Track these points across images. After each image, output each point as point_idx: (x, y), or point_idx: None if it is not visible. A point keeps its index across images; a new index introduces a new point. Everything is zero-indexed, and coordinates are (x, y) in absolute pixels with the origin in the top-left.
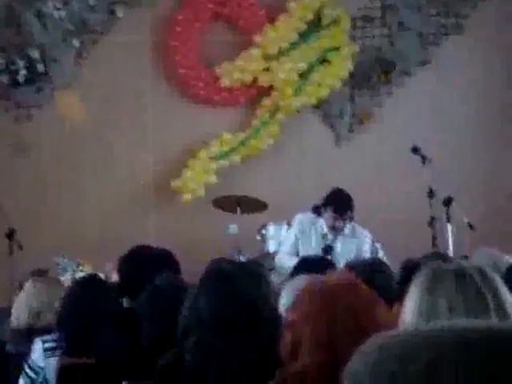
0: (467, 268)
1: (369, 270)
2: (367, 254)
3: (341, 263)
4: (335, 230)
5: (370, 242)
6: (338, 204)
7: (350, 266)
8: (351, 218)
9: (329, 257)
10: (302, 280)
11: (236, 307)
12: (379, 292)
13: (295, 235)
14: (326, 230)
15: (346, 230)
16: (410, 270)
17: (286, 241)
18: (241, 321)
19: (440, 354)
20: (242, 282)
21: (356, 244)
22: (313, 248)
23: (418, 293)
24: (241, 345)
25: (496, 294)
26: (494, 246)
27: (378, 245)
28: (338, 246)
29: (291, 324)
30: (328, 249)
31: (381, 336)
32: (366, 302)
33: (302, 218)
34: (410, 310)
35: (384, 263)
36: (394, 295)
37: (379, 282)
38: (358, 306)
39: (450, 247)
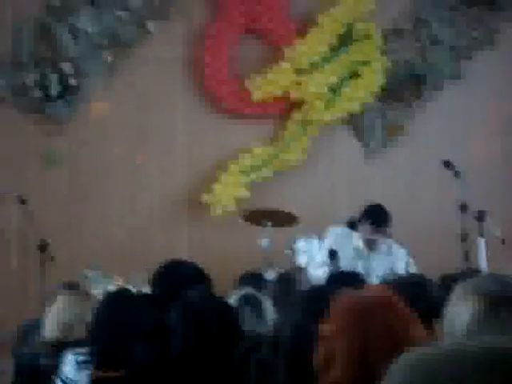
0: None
1: (408, 287)
2: (401, 272)
3: (374, 279)
4: (371, 245)
5: (406, 260)
6: (376, 217)
7: (389, 282)
8: (388, 235)
9: (333, 263)
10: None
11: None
12: (418, 308)
13: (328, 247)
14: (360, 244)
15: (383, 248)
16: (448, 285)
17: (319, 253)
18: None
19: (466, 372)
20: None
21: (390, 261)
22: (347, 260)
23: (474, 306)
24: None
25: None
26: None
27: (410, 259)
28: (373, 263)
29: (326, 337)
30: (333, 254)
31: (408, 354)
32: (402, 318)
33: (337, 230)
34: (460, 328)
35: (424, 279)
36: (434, 312)
37: (418, 298)
38: (393, 323)
39: (483, 262)
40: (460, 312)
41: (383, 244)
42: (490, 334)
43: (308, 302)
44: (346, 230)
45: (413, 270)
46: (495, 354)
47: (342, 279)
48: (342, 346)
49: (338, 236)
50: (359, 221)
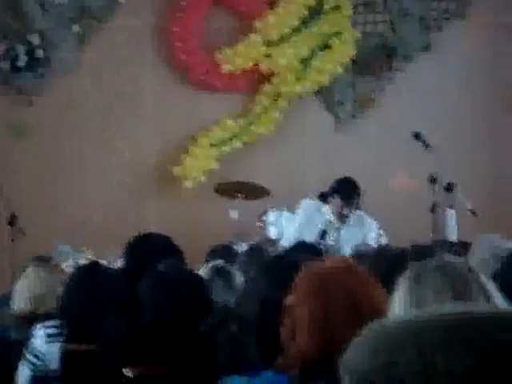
0: (452, 262)
1: (374, 256)
2: (372, 243)
3: (345, 251)
4: (342, 218)
5: (376, 231)
6: (346, 191)
7: (357, 254)
8: (358, 207)
9: (324, 242)
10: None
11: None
12: (384, 277)
13: (300, 220)
14: (331, 217)
15: (353, 219)
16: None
17: (291, 225)
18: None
19: (431, 341)
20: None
21: (361, 233)
22: (315, 233)
23: (405, 285)
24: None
25: (481, 284)
26: (497, 231)
27: (380, 231)
28: (343, 234)
29: (290, 308)
30: (323, 233)
31: (372, 326)
32: (364, 284)
33: (309, 204)
34: (397, 302)
35: (390, 248)
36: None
37: (384, 267)
38: (355, 288)
39: (453, 233)
40: None
41: (354, 216)
42: None
43: (272, 273)
44: (318, 202)
45: (383, 241)
46: (456, 320)
47: (301, 251)
48: (305, 314)
49: (309, 208)
50: (329, 195)
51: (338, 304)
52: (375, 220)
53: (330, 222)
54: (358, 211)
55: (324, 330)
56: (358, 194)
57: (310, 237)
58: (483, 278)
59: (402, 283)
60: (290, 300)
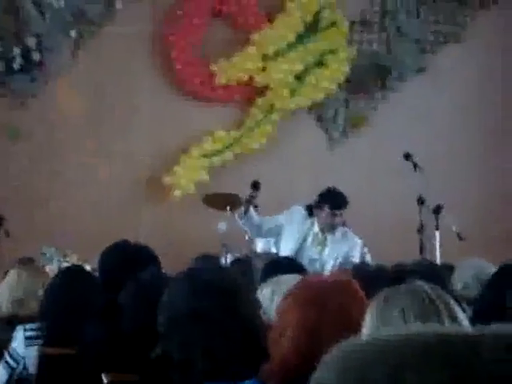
0: (420, 285)
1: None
2: (356, 260)
3: (329, 265)
4: (330, 228)
5: (360, 248)
6: (335, 200)
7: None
8: (344, 223)
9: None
10: (291, 278)
11: (211, 296)
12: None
13: (282, 219)
14: (317, 229)
15: (338, 234)
16: (397, 274)
17: (273, 219)
18: (218, 310)
19: (402, 359)
20: (215, 275)
21: (346, 248)
22: (294, 242)
23: (374, 304)
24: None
25: (448, 304)
26: (483, 254)
27: (365, 249)
28: (328, 249)
29: (281, 312)
30: (256, 184)
31: (343, 344)
32: (358, 302)
33: (298, 208)
34: (367, 321)
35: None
36: None
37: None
38: (350, 306)
39: (438, 255)
40: None
41: (339, 230)
42: None
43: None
44: (305, 214)
45: (367, 258)
46: (430, 338)
47: (281, 267)
48: (294, 321)
49: (297, 212)
50: (317, 206)
51: (329, 318)
52: (362, 237)
53: (317, 235)
54: (343, 227)
55: (310, 341)
56: (345, 203)
57: (285, 241)
58: (451, 301)
59: (372, 304)
60: (282, 304)
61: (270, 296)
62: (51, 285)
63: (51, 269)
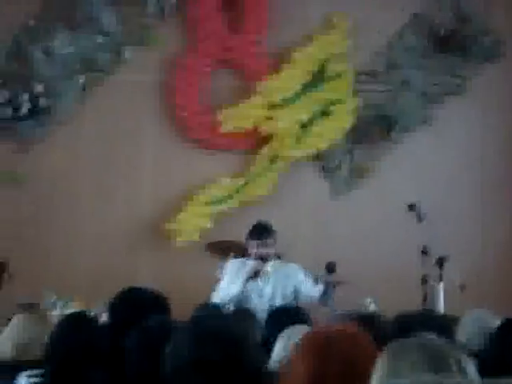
0: (430, 338)
1: (367, 323)
2: (306, 284)
3: (277, 295)
4: (261, 260)
5: (303, 271)
6: (257, 231)
7: (350, 317)
8: (278, 256)
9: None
10: (297, 330)
11: (216, 347)
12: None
13: (227, 280)
14: (251, 264)
15: (273, 264)
16: (402, 324)
17: (220, 287)
18: (222, 361)
19: None
20: (219, 324)
21: (286, 272)
22: (237, 285)
23: (383, 357)
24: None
25: (458, 359)
26: (486, 306)
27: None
28: (269, 280)
29: (290, 362)
30: (331, 266)
31: None
32: (365, 357)
33: (233, 262)
34: (376, 376)
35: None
36: None
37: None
38: (355, 359)
39: (441, 307)
40: None
41: (274, 261)
42: None
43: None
44: (243, 259)
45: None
46: None
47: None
48: (301, 370)
49: (234, 265)
50: (246, 241)
51: (335, 369)
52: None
53: (258, 270)
54: (279, 260)
55: None
56: (270, 233)
57: (238, 289)
58: (462, 355)
59: (381, 356)
60: (292, 354)
61: (284, 347)
62: (55, 331)
63: (54, 314)
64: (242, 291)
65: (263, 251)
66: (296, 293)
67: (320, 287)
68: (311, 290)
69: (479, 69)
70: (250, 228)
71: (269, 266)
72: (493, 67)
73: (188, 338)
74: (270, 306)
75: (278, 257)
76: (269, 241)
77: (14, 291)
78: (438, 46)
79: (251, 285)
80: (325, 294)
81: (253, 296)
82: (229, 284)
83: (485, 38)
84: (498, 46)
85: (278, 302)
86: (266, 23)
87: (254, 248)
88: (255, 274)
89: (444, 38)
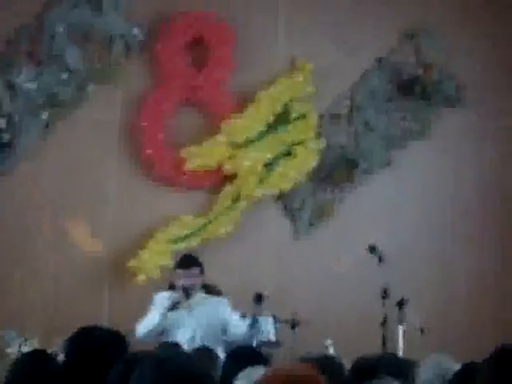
0: (388, 382)
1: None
2: (232, 318)
3: (200, 328)
4: (187, 291)
5: (228, 305)
6: (183, 260)
7: (308, 360)
8: (212, 291)
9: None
10: (258, 371)
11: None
12: None
13: (155, 314)
14: (177, 296)
15: (198, 296)
16: (360, 370)
17: (150, 320)
18: None
19: None
20: (182, 363)
21: (211, 308)
22: (171, 320)
23: None
24: None
25: None
26: (447, 349)
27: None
28: (194, 313)
29: None
30: (259, 297)
31: None
32: None
33: (161, 296)
34: None
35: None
36: None
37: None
38: None
39: (400, 349)
40: None
41: (199, 292)
42: None
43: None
44: (170, 292)
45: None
46: None
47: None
48: None
49: (161, 298)
50: (172, 273)
51: None
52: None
53: (178, 302)
54: (204, 294)
55: None
56: (195, 263)
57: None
58: None
59: None
60: None
61: None
62: (12, 369)
63: (12, 352)
64: (160, 324)
65: (188, 282)
66: (223, 330)
67: (247, 321)
68: (238, 324)
69: (440, 113)
70: (177, 259)
71: (191, 300)
72: (453, 112)
73: (150, 378)
74: (191, 341)
75: (208, 289)
76: (193, 271)
77: None
78: (401, 90)
79: (172, 317)
80: (252, 327)
81: (173, 329)
82: (151, 316)
83: (446, 84)
84: (459, 91)
85: (201, 336)
86: (232, 63)
87: (180, 279)
88: (174, 306)
89: (407, 82)
